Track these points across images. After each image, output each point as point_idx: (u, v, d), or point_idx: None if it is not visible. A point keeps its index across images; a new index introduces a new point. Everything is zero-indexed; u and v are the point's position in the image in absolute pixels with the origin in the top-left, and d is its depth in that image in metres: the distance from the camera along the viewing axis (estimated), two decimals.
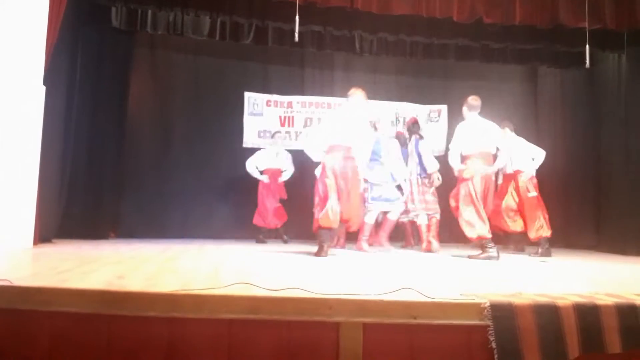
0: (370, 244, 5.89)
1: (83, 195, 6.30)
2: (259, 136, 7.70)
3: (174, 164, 7.33)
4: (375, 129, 6.03)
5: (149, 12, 6.30)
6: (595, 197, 6.99)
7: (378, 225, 6.09)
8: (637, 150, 5.80)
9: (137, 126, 7.30)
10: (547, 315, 2.27)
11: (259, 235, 6.91)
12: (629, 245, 6.04)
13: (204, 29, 6.54)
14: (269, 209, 6.89)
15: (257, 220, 6.91)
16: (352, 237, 5.90)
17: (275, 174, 7.06)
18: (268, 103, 7.81)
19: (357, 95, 5.10)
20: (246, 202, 7.00)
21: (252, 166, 7.03)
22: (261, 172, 7.02)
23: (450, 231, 6.55)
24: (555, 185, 7.68)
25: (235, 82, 7.72)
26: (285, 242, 6.86)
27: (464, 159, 5.25)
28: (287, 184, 7.09)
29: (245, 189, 7.06)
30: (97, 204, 6.43)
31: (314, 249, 4.88)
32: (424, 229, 5.99)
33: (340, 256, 4.97)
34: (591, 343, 2.28)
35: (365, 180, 5.70)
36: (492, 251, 4.94)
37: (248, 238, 6.95)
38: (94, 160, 6.48)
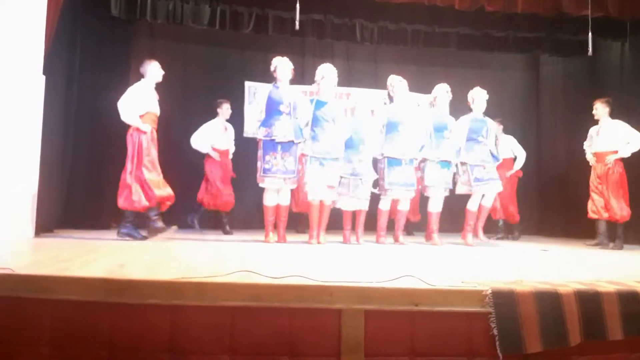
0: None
1: (84, 185, 6.29)
2: None
3: (174, 153, 7.30)
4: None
5: (149, 0, 6.25)
6: None
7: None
8: None
9: None
10: (549, 302, 2.27)
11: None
12: (628, 235, 6.05)
13: (204, 18, 6.48)
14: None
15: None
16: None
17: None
18: None
19: None
20: (247, 190, 6.96)
21: None
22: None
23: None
24: (556, 174, 7.66)
25: (236, 72, 7.68)
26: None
27: None
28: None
29: (245, 178, 7.03)
30: (99, 194, 6.41)
31: None
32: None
33: (343, 244, 4.97)
34: (592, 330, 2.29)
35: (463, 163, 5.58)
36: None
37: (249, 227, 6.95)
38: (95, 150, 6.45)
